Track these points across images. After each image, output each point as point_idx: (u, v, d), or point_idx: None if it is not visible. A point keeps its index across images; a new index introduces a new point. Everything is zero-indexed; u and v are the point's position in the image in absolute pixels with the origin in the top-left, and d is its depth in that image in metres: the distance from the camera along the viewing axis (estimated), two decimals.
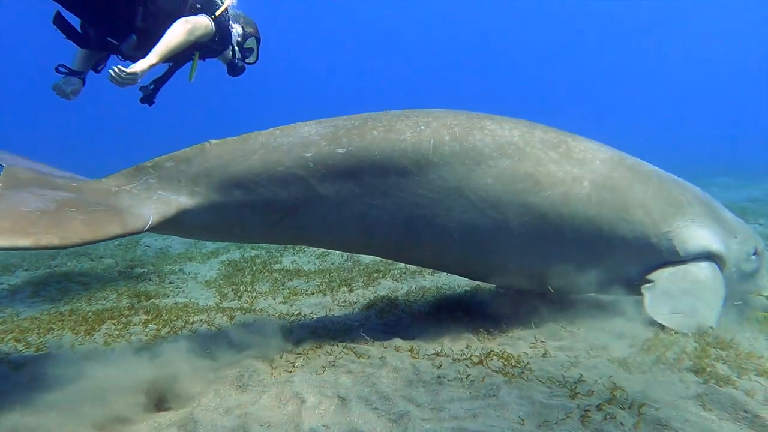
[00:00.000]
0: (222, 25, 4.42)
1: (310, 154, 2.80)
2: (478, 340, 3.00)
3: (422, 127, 2.99)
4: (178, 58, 4.43)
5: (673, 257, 3.29)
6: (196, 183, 2.71)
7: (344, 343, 2.95)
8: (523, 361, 2.53)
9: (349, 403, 2.09)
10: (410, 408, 2.02)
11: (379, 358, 2.64)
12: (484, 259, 3.15)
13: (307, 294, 4.58)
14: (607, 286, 3.31)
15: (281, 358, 2.73)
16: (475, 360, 2.55)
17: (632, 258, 3.25)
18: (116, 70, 3.77)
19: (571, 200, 3.06)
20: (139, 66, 3.83)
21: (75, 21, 4.24)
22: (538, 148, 3.12)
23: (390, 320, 3.55)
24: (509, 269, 3.21)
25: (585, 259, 3.19)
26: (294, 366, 2.59)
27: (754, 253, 3.64)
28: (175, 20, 4.05)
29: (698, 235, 3.32)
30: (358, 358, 2.69)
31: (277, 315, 3.87)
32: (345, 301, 4.23)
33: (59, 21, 4.14)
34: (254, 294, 4.66)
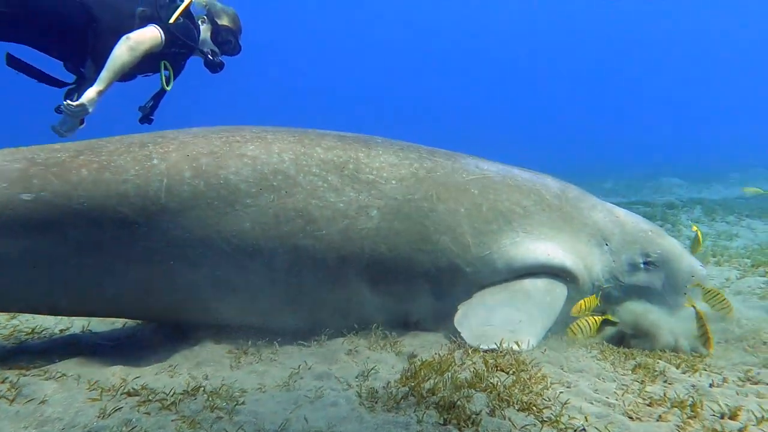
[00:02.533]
0: (183, 27, 4.14)
1: None
2: None
3: (155, 161, 2.37)
4: (144, 70, 4.23)
5: (501, 279, 2.86)
6: None
7: None
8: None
9: None
10: None
11: None
12: (249, 317, 2.62)
13: None
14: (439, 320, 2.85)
15: None
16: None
17: (449, 292, 2.78)
18: (65, 105, 3.74)
19: (353, 237, 2.54)
20: (86, 97, 3.73)
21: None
22: (314, 174, 2.57)
23: None
24: (280, 323, 2.68)
25: (386, 303, 2.70)
26: None
27: (645, 263, 3.19)
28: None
29: (529, 250, 2.85)
30: None
31: None
32: None
33: (12, 61, 4.02)
34: None
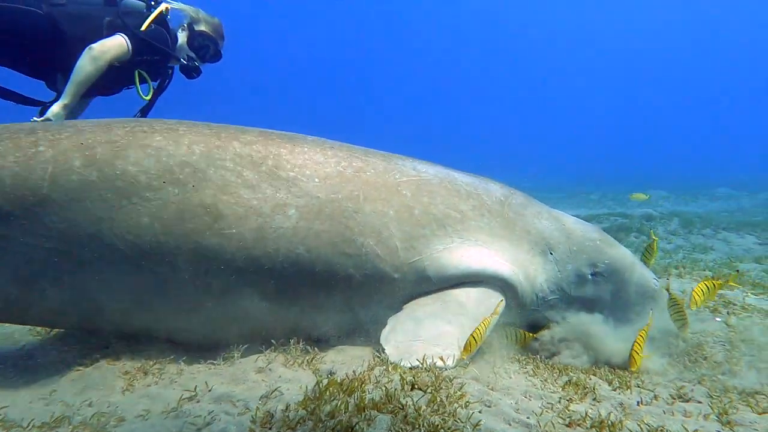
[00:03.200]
0: (154, 34, 4.06)
1: None
2: None
3: (41, 148, 2.17)
4: (124, 82, 4.15)
5: (432, 288, 2.67)
6: None
7: None
8: None
9: None
10: None
11: None
12: (148, 325, 2.41)
13: None
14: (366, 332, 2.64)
15: None
16: None
17: (375, 300, 2.58)
18: (31, 122, 3.49)
19: (267, 237, 2.34)
20: (52, 112, 3.65)
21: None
22: (227, 168, 2.37)
23: None
24: (183, 330, 2.46)
25: (305, 310, 2.49)
26: None
27: (593, 274, 2.97)
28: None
29: (463, 257, 2.65)
30: None
31: None
32: None
33: None
34: None
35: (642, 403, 2.10)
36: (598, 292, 2.99)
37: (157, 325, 2.40)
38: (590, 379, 2.34)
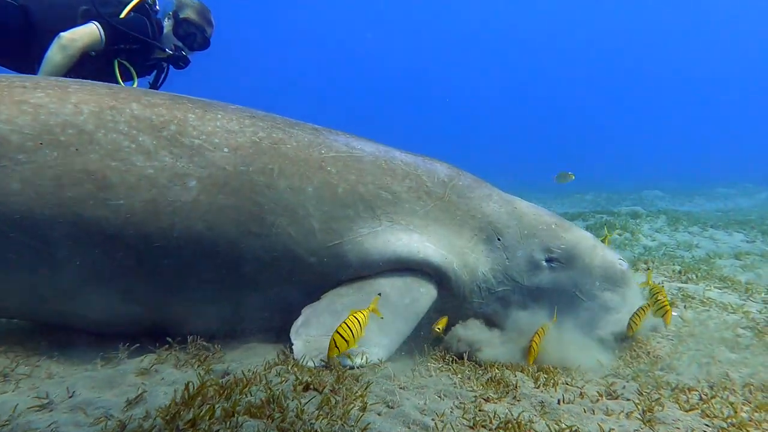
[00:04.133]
0: (133, 22, 3.92)
1: None
2: None
3: None
4: (103, 71, 3.93)
5: (355, 274, 2.42)
6: None
7: None
8: None
9: None
10: None
11: None
12: (25, 306, 2.15)
13: None
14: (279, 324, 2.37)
15: None
16: None
17: (289, 286, 2.31)
18: None
19: (161, 211, 2.09)
20: None
21: None
22: (120, 132, 2.11)
23: None
24: (72, 315, 2.20)
25: (207, 295, 2.25)
26: None
27: (549, 260, 2.71)
28: None
29: (389, 242, 2.38)
30: None
31: None
32: None
33: None
34: None
35: (563, 402, 1.88)
36: (556, 280, 2.71)
37: (37, 309, 2.16)
38: (515, 375, 2.11)
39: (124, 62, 3.96)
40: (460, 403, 1.87)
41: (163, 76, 4.30)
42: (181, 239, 2.11)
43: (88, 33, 3.75)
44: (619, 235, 7.08)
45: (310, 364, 2.01)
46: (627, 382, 2.15)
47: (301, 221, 2.26)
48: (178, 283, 2.17)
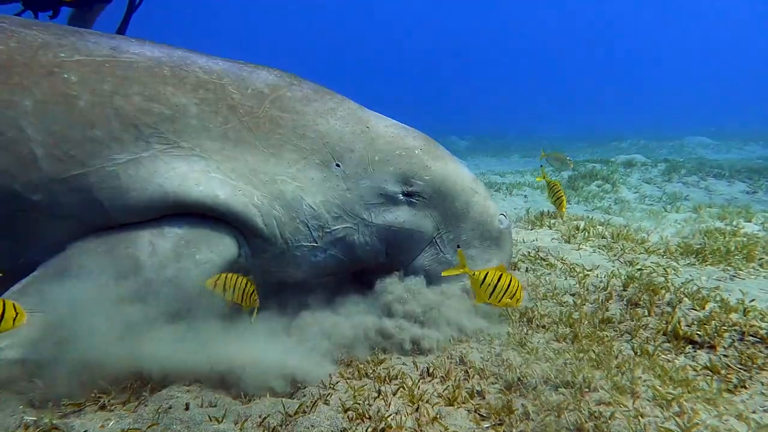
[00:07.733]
0: None
1: None
2: None
3: None
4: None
5: (114, 220, 1.74)
6: None
7: None
8: None
9: None
10: None
11: None
12: None
13: None
14: None
15: None
16: None
17: (13, 236, 1.71)
18: None
19: None
20: None
21: None
22: None
23: None
24: None
25: None
26: None
27: (406, 194, 2.13)
28: None
29: (155, 174, 1.74)
30: None
31: None
32: None
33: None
34: None
35: None
36: (415, 219, 2.10)
37: None
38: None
39: None
40: None
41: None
42: None
43: None
44: (598, 187, 6.27)
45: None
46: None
47: (16, 146, 1.64)
48: None
